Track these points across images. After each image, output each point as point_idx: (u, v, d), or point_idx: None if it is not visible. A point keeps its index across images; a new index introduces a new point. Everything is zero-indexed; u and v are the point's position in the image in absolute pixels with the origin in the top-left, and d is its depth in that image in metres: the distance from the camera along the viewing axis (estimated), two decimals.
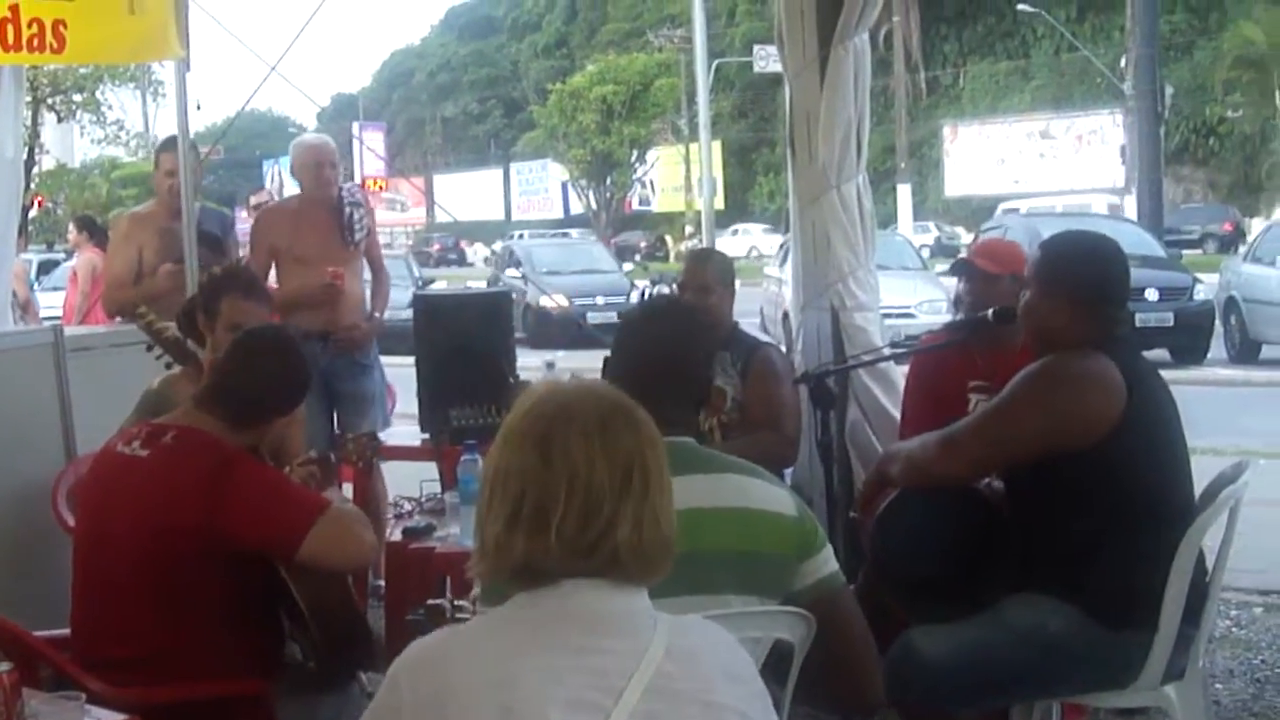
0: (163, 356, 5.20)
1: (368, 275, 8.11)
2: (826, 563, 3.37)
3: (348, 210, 7.69)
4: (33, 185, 52.36)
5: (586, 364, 8.59)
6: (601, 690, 2.24)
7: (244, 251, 8.10)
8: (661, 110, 54.69)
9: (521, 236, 45.45)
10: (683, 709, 2.28)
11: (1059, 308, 4.17)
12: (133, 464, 4.04)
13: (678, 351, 3.47)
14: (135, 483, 4.01)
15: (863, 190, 6.52)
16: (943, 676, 4.03)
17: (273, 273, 7.73)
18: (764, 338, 6.34)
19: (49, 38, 6.36)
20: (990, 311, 4.99)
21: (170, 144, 7.85)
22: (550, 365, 6.83)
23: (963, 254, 7.45)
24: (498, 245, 40.94)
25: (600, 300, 25.63)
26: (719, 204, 49.57)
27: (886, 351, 6.21)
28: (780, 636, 3.19)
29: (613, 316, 22.70)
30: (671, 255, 52.29)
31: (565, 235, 44.26)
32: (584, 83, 54.99)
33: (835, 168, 6.40)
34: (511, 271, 28.75)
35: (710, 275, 6.08)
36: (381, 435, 6.64)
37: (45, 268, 27.70)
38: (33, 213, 51.61)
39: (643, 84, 53.97)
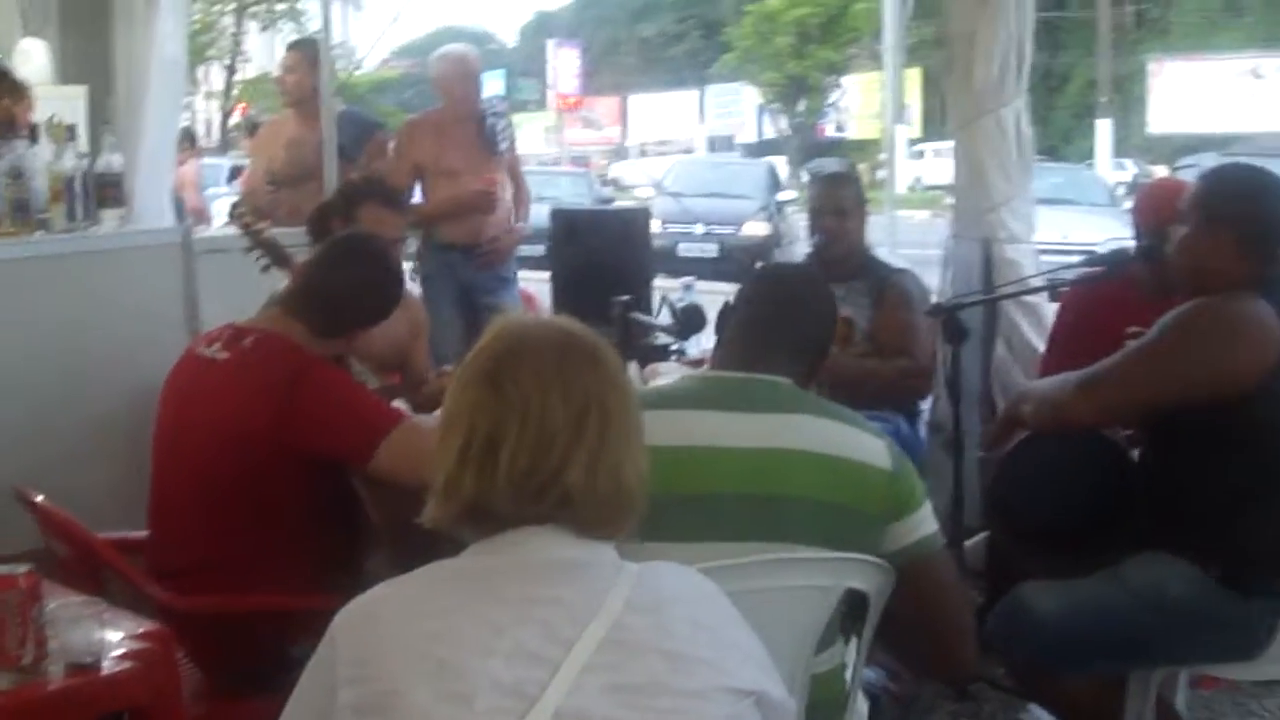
0: (261, 259, 5.08)
1: None
2: (921, 524, 3.08)
3: (490, 121, 7.65)
4: (234, 93, 53.61)
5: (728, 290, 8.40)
6: (549, 641, 2.07)
7: None
8: (859, 35, 53.86)
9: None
10: (644, 660, 2.10)
11: (1221, 245, 3.86)
12: (211, 366, 3.93)
13: (793, 312, 3.28)
14: (211, 386, 3.90)
15: (1022, 116, 6.20)
16: (1053, 635, 3.79)
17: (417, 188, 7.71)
18: (899, 264, 6.08)
19: None
20: (1135, 246, 4.65)
21: (290, 45, 8.00)
22: (688, 287, 6.62)
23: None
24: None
25: (699, 229, 22.25)
26: (915, 132, 48.83)
27: (1034, 284, 5.88)
28: (852, 585, 2.95)
29: (712, 250, 21.54)
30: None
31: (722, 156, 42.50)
32: (780, 5, 54.32)
33: (993, 91, 6.10)
34: (645, 191, 27.04)
35: (848, 198, 5.88)
36: None
37: (237, 173, 28.08)
38: (235, 119, 52.76)
39: (840, 7, 53.19)
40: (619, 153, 60.96)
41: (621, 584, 2.17)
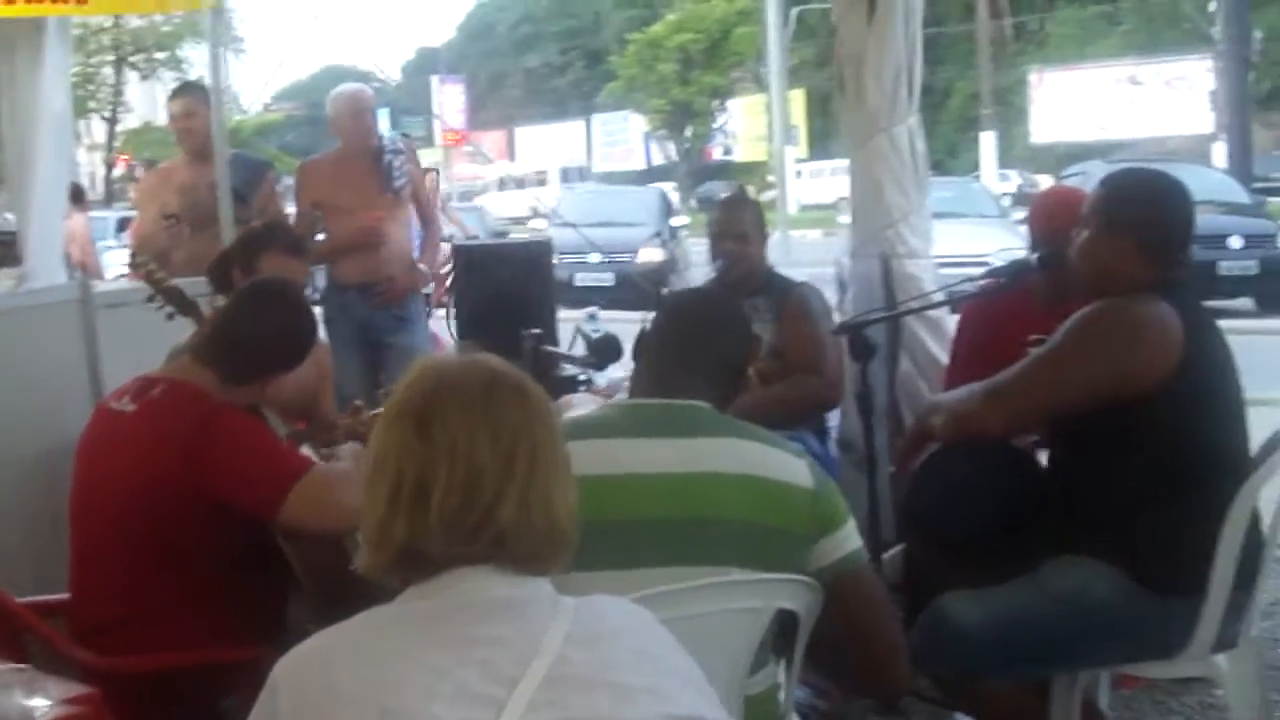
0: (164, 308, 5.04)
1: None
2: (847, 540, 3.12)
3: (387, 158, 7.60)
4: (117, 144, 53.08)
5: (630, 317, 8.42)
6: (493, 681, 2.06)
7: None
8: (741, 59, 54.29)
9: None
10: (589, 694, 2.09)
11: (1123, 249, 3.91)
12: (120, 419, 3.90)
13: (709, 336, 3.30)
14: (121, 438, 3.87)
15: (915, 133, 6.27)
16: (976, 644, 3.81)
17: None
18: (799, 279, 6.13)
19: None
20: (1035, 256, 4.72)
21: (179, 91, 7.92)
22: (593, 316, 6.63)
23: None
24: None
25: (595, 258, 21.27)
26: (802, 153, 49.17)
27: (935, 299, 5.94)
28: (783, 606, 2.98)
29: (609, 278, 21.21)
30: None
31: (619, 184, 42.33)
32: (663, 32, 54.66)
33: (886, 110, 6.16)
34: (538, 223, 26.72)
35: (747, 222, 5.94)
36: None
37: (125, 225, 27.79)
38: (118, 171, 52.21)
39: (722, 32, 53.57)
40: (482, 188, 60.97)
41: (560, 619, 2.16)
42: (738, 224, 5.92)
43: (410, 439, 2.20)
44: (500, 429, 2.19)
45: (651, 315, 3.43)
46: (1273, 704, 4.69)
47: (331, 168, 7.82)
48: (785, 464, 3.08)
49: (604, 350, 5.47)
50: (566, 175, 56.04)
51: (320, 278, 7.83)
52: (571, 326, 6.23)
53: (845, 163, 6.61)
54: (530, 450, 2.20)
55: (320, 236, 7.63)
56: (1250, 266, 19.05)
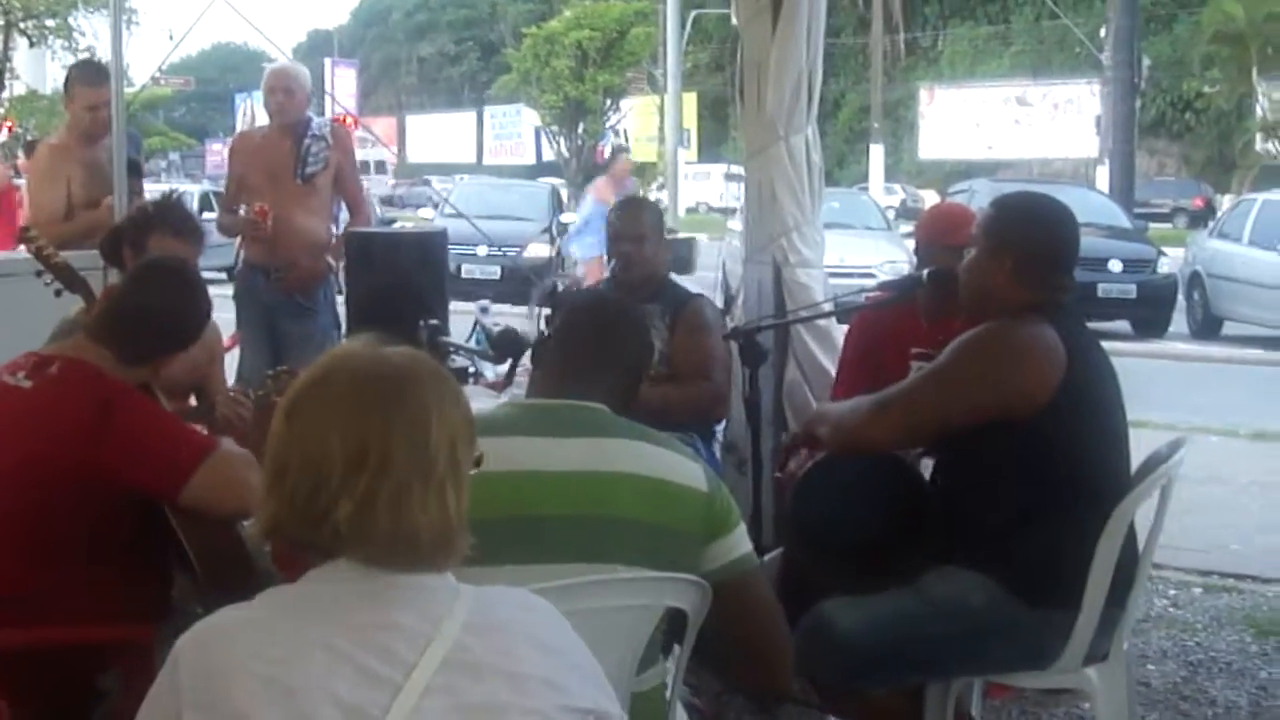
0: (52, 283, 4.98)
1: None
2: (738, 544, 3.18)
3: (305, 142, 7.54)
4: (2, 110, 51.99)
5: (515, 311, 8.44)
6: (390, 665, 2.11)
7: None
8: (637, 59, 54.13)
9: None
10: (486, 682, 2.15)
11: (1003, 269, 4.00)
12: (15, 395, 3.83)
13: (610, 339, 3.34)
14: (15, 415, 3.80)
15: (812, 143, 6.34)
16: (856, 650, 3.88)
17: None
18: (695, 289, 6.15)
19: None
20: (925, 272, 4.80)
21: (87, 77, 7.68)
22: (484, 309, 6.63)
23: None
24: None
25: (482, 251, 21.59)
26: (692, 155, 49.32)
27: (825, 309, 6.02)
28: (671, 604, 3.02)
29: (494, 271, 21.52)
30: None
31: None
32: (559, 27, 54.42)
33: (784, 119, 6.23)
34: (426, 212, 26.45)
35: (646, 224, 5.91)
36: None
37: None
38: (1, 137, 51.16)
39: (619, 31, 53.39)
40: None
41: (459, 607, 2.20)
42: (636, 225, 5.89)
43: (280, 425, 2.26)
44: (352, 428, 2.20)
45: (539, 310, 3.45)
46: (1139, 717, 4.81)
47: (256, 144, 7.87)
48: (681, 466, 3.13)
49: (505, 344, 5.43)
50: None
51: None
52: (459, 318, 6.22)
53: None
54: (382, 457, 2.19)
55: (242, 210, 7.60)
56: (1129, 290, 19.47)
